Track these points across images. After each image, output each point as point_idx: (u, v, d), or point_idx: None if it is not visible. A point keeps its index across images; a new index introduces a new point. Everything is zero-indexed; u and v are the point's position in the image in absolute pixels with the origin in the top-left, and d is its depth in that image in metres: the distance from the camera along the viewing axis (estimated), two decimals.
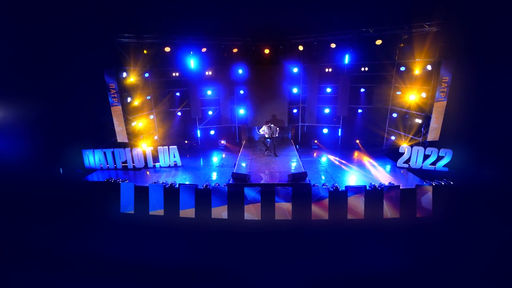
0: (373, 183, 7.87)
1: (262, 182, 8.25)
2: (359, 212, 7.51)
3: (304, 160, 10.59)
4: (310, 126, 13.30)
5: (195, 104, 12.77)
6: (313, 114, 12.91)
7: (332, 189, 7.67)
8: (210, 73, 12.56)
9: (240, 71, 12.54)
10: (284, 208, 7.55)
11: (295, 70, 12.39)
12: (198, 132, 13.31)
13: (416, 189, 7.60)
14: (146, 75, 11.79)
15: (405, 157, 9.84)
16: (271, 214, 7.58)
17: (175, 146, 10.58)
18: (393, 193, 7.56)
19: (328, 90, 12.60)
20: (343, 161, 10.78)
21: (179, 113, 13.06)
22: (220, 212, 7.76)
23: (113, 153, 10.33)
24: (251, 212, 7.64)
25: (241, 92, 12.94)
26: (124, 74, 10.29)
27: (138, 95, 11.26)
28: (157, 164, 10.64)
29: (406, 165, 9.88)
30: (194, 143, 13.29)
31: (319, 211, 7.53)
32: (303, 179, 8.07)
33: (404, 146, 9.90)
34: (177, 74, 12.40)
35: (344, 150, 12.26)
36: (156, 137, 12.82)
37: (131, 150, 10.35)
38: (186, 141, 13.08)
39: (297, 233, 7.59)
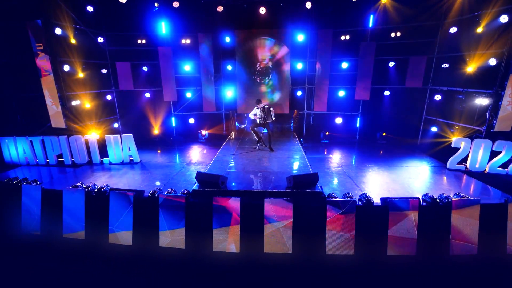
0: (429, 194, 4.71)
1: (246, 189, 5.16)
2: (404, 243, 4.37)
3: (311, 158, 7.51)
4: (319, 114, 10.18)
5: (169, 83, 9.75)
6: (323, 97, 9.79)
7: (361, 203, 4.55)
8: (187, 41, 9.54)
9: (228, 39, 9.50)
10: (279, 232, 4.45)
11: (301, 37, 9.30)
12: (173, 120, 10.27)
13: (507, 205, 4.43)
14: (100, 40, 8.81)
15: (460, 155, 6.69)
16: (258, 244, 4.49)
17: (130, 135, 7.56)
18: (464, 212, 4.40)
19: (345, 65, 9.48)
20: (365, 161, 7.64)
21: (147, 94, 10.04)
22: (173, 238, 4.69)
23: (43, 142, 7.37)
24: (225, 240, 4.55)
25: (229, 68, 9.90)
26: (58, 31, 7.30)
27: (83, 65, 8.24)
28: (105, 160, 7.64)
29: (461, 167, 6.72)
30: (169, 134, 10.27)
31: (334, 239, 4.42)
32: (312, 185, 4.98)
33: (460, 139, 6.74)
34: (144, 41, 9.40)
35: (365, 146, 9.12)
36: (117, 125, 9.83)
37: (67, 139, 7.35)
38: (156, 131, 10.05)
39: (301, 278, 4.48)
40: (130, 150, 7.61)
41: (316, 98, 9.88)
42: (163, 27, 9.10)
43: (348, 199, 4.43)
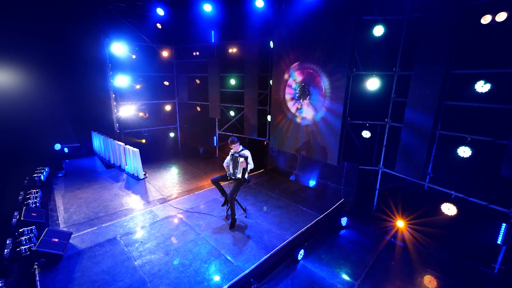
0: None
1: None
2: None
3: None
4: (405, 181, 5.05)
5: (214, 98, 8.70)
6: (423, 148, 4.65)
7: None
8: (234, 50, 7.90)
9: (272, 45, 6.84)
10: None
11: (379, 30, 4.82)
12: (215, 139, 9.18)
13: None
14: (165, 54, 9.29)
15: None
16: None
17: (137, 150, 7.33)
18: None
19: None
20: None
21: (198, 108, 9.58)
22: None
23: (103, 141, 8.95)
24: None
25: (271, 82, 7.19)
26: (119, 49, 8.27)
27: (140, 77, 8.99)
28: (126, 167, 8.04)
29: None
30: (212, 152, 9.37)
31: None
32: None
33: None
34: (197, 53, 8.87)
35: None
36: (173, 134, 10.25)
37: (109, 141, 8.45)
38: (199, 146, 9.46)
39: None
40: (136, 165, 7.48)
41: (404, 147, 4.92)
42: (213, 35, 8.09)
43: None
